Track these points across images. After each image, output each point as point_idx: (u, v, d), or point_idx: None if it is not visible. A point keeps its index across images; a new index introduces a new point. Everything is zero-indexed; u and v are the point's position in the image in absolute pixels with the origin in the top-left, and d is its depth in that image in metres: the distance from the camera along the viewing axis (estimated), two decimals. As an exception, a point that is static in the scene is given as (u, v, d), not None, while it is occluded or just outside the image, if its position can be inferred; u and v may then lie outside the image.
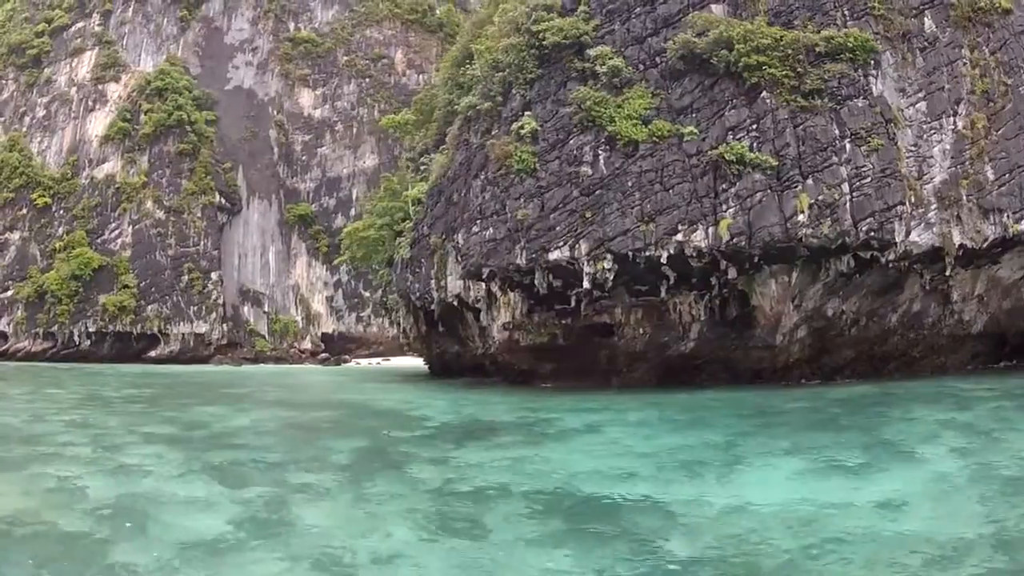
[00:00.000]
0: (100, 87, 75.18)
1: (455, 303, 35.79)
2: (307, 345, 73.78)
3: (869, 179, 28.21)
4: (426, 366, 47.12)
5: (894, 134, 29.37)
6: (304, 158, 79.04)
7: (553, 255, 28.28)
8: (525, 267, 29.09)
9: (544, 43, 31.57)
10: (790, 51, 28.85)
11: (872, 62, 29.72)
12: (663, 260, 27.55)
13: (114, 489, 13.05)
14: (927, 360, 35.02)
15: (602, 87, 29.85)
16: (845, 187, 27.94)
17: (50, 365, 61.43)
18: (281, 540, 10.44)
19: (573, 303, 30.51)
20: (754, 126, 28.20)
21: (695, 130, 28.40)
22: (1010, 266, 32.88)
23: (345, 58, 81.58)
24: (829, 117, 28.48)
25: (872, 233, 27.94)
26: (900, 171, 28.98)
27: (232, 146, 75.71)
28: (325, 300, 76.76)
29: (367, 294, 75.60)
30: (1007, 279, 33.56)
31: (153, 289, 67.69)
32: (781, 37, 29.03)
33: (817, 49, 29.16)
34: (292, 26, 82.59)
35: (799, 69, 28.73)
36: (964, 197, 30.80)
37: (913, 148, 30.03)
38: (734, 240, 26.94)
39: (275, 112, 79.02)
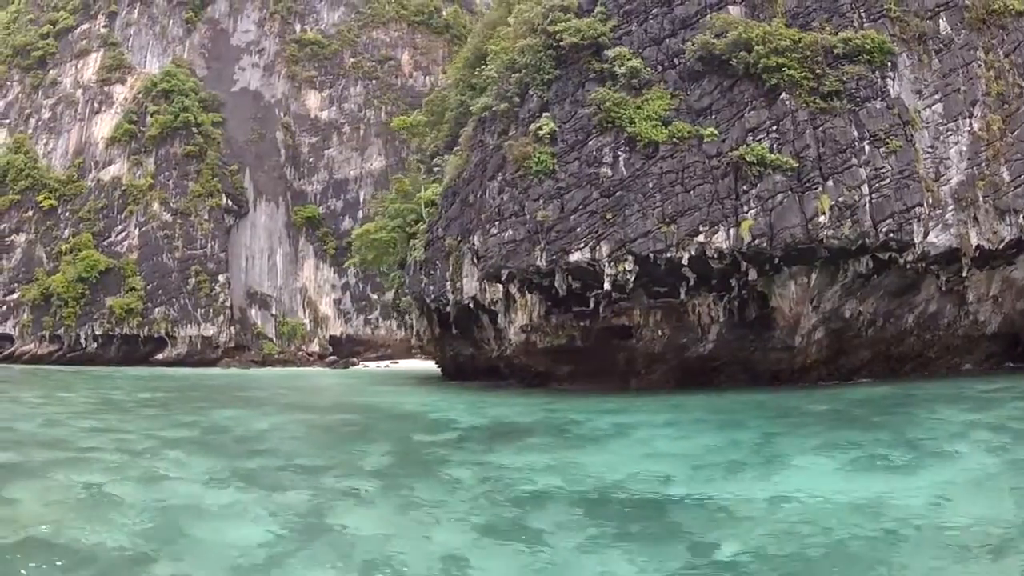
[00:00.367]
0: (106, 89, 75.18)
1: (471, 305, 35.76)
2: (315, 348, 73.73)
3: (888, 180, 28.28)
4: (438, 369, 47.00)
5: (911, 135, 29.45)
6: (311, 160, 79.03)
7: (574, 256, 28.29)
8: (545, 269, 29.09)
9: (561, 44, 31.61)
10: (808, 53, 28.92)
11: (889, 64, 29.81)
12: (684, 262, 27.57)
13: (147, 498, 12.58)
14: (942, 361, 35.12)
15: (621, 88, 29.88)
16: (864, 188, 28.00)
17: (56, 368, 61.22)
18: (332, 549, 10.09)
19: (592, 305, 30.52)
20: (774, 127, 28.25)
21: (715, 131, 28.44)
22: (1025, 267, 32.98)
23: (352, 60, 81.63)
24: (848, 119, 28.54)
25: (891, 234, 28.01)
26: (918, 172, 29.06)
27: (239, 148, 75.69)
28: (333, 303, 76.72)
29: (375, 296, 75.61)
30: (1021, 280, 33.64)
31: (160, 292, 67.64)
32: (799, 39, 29.11)
33: (835, 51, 29.24)
34: (298, 28, 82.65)
35: (817, 71, 28.79)
36: (981, 198, 30.91)
37: (930, 149, 30.12)
38: (756, 241, 26.98)
39: (282, 114, 79.06)
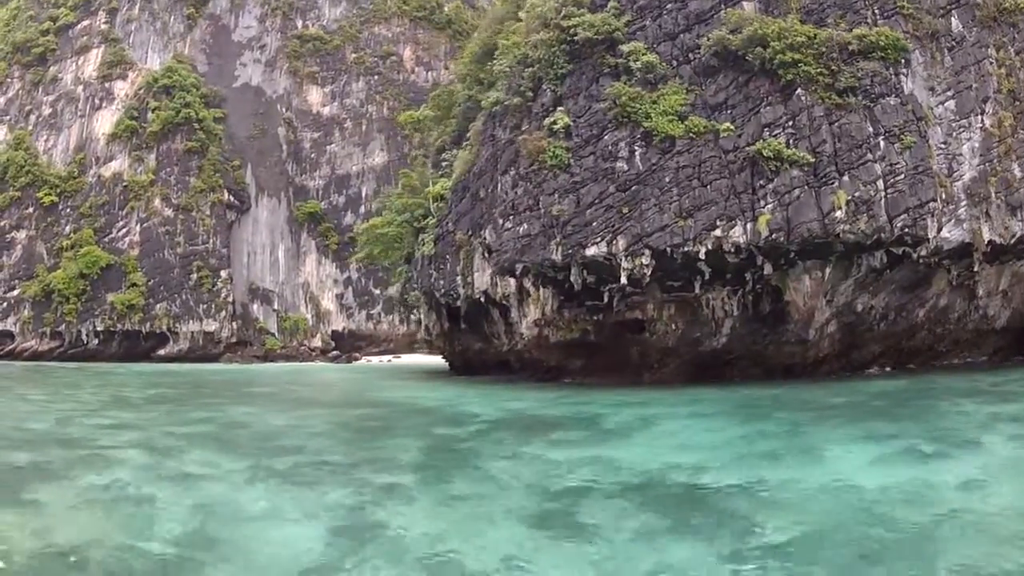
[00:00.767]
0: (107, 85, 74.75)
1: (481, 299, 35.79)
2: (317, 343, 73.54)
3: (902, 176, 28.43)
4: (446, 363, 46.98)
5: (925, 132, 29.62)
6: (313, 155, 78.79)
7: (590, 251, 28.33)
8: (561, 263, 29.12)
9: (575, 38, 31.61)
10: (824, 49, 29.04)
11: (903, 60, 29.97)
12: (701, 256, 27.64)
13: (180, 500, 12.10)
14: (951, 354, 35.40)
15: (636, 83, 29.92)
16: (880, 184, 28.12)
17: (58, 365, 60.85)
18: (386, 550, 9.79)
19: (605, 299, 30.56)
20: (790, 123, 28.35)
21: (731, 126, 28.52)
22: (1035, 262, 33.22)
23: (353, 55, 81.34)
24: (863, 114, 28.66)
25: (906, 229, 28.17)
26: (931, 168, 29.22)
27: (240, 144, 75.40)
28: (335, 298, 76.51)
29: (377, 291, 75.44)
30: (1031, 275, 33.88)
31: (162, 287, 67.36)
32: (815, 35, 29.21)
33: (850, 47, 29.36)
34: (300, 23, 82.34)
35: (833, 67, 28.91)
36: (993, 194, 31.12)
37: (943, 146, 30.30)
38: (773, 236, 27.08)
39: (284, 109, 78.77)
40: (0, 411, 26.04)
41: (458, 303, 37.43)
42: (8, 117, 75.90)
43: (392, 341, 75.13)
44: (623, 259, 27.90)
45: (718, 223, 27.44)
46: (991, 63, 32.69)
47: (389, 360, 68.79)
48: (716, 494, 12.21)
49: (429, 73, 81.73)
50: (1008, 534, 9.89)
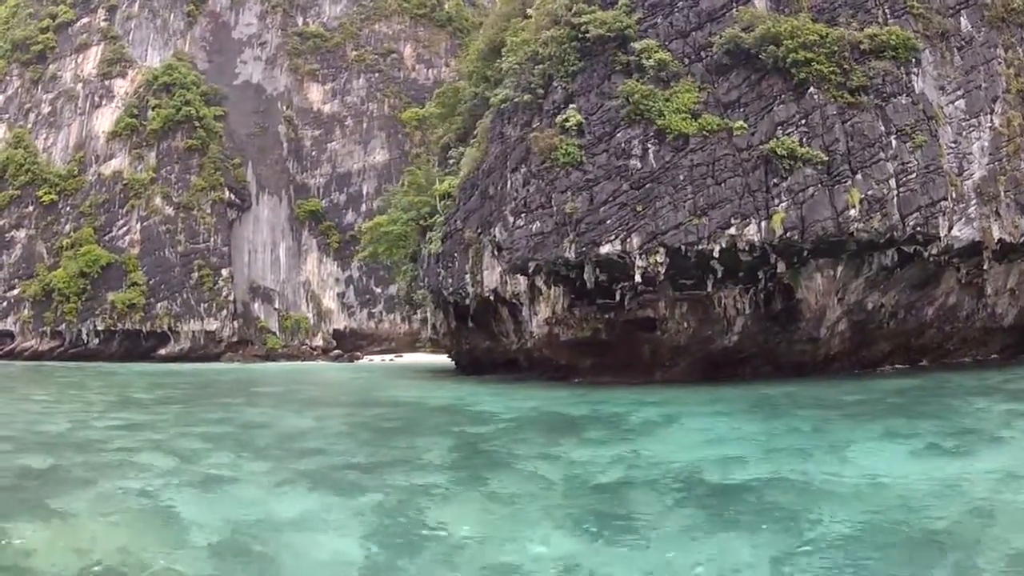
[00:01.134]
0: (106, 83, 74.47)
1: (491, 298, 35.74)
2: (318, 342, 73.40)
3: (914, 175, 28.56)
4: (452, 362, 46.91)
5: (936, 131, 29.74)
6: (314, 153, 78.63)
7: (604, 249, 28.31)
8: (574, 261, 29.10)
9: (587, 36, 31.55)
10: (836, 48, 29.09)
11: (913, 60, 30.07)
12: (715, 254, 27.67)
13: (213, 508, 11.64)
14: (959, 352, 35.60)
15: (648, 81, 29.90)
16: (892, 182, 28.23)
17: (59, 364, 60.55)
18: (438, 555, 9.50)
19: (617, 297, 30.55)
20: (803, 121, 28.39)
21: (744, 124, 28.55)
22: (1043, 261, 33.42)
23: (354, 53, 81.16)
24: (875, 113, 28.75)
25: (918, 227, 28.30)
26: (942, 167, 29.34)
27: (241, 141, 75.19)
28: (336, 296, 76.36)
29: (378, 290, 75.40)
30: (1039, 273, 34.07)
31: (163, 286, 67.14)
32: (826, 34, 29.26)
33: (861, 47, 29.43)
34: (300, 21, 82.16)
35: (845, 66, 28.96)
36: (1002, 193, 31.30)
37: (953, 145, 30.44)
38: (787, 234, 27.13)
39: (284, 107, 78.58)
40: (8, 413, 25.59)
41: (466, 301, 37.34)
42: (7, 115, 75.59)
43: (393, 340, 75.04)
44: (637, 257, 27.89)
45: (732, 221, 27.47)
46: (1000, 63, 32.87)
47: (391, 359, 68.68)
48: (759, 488, 12.20)
49: (430, 71, 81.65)
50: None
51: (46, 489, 12.66)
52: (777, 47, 28.79)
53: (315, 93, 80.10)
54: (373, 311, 76.26)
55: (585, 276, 29.27)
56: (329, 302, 76.01)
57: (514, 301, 34.42)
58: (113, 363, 62.65)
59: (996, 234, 30.84)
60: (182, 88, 72.13)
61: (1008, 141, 31.87)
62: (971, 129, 31.27)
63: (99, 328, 66.40)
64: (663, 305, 30.74)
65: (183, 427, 21.11)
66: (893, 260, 29.61)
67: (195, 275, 67.30)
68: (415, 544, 9.89)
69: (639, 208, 28.15)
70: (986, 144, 31.42)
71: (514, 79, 34.77)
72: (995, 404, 21.54)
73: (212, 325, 66.85)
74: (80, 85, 74.79)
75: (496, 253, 34.30)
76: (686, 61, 30.72)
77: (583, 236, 28.73)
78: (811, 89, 28.70)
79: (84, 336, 66.76)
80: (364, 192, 77.77)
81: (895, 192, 28.19)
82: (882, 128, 28.71)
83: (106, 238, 68.66)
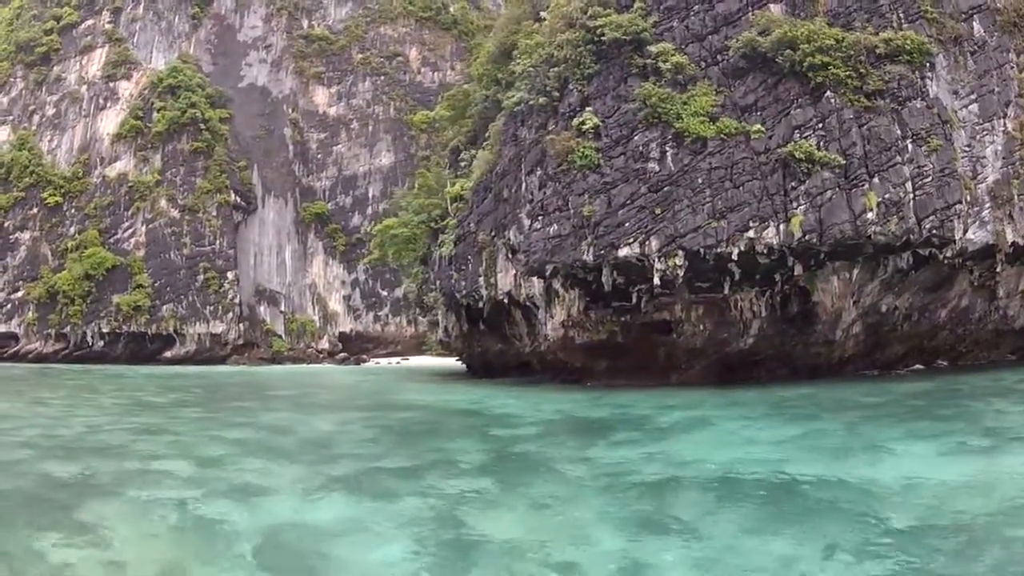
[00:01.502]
0: (111, 85, 74.36)
1: (504, 301, 35.77)
2: (324, 345, 73.31)
3: (930, 178, 28.75)
4: (463, 365, 46.89)
5: (950, 135, 29.94)
6: (320, 156, 78.61)
7: (623, 252, 28.40)
8: (592, 263, 29.18)
9: (602, 39, 31.67)
10: (852, 52, 29.29)
11: (927, 64, 30.29)
12: (734, 256, 27.78)
13: (253, 518, 11.18)
14: (971, 354, 35.75)
15: (665, 84, 30.04)
16: (908, 186, 28.42)
17: (65, 367, 60.28)
18: (495, 562, 9.32)
19: (633, 300, 30.64)
20: (820, 125, 28.57)
21: (761, 128, 28.68)
22: (1055, 263, 33.60)
23: (359, 56, 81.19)
24: (891, 117, 28.95)
25: (934, 231, 28.48)
26: (957, 171, 29.52)
27: (247, 144, 75.17)
28: (342, 299, 76.25)
29: (384, 293, 75.40)
30: (1051, 276, 34.23)
31: (168, 289, 67.02)
32: (842, 38, 29.46)
33: (877, 51, 29.65)
34: (305, 23, 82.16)
35: (861, 70, 29.17)
36: (1015, 196, 31.50)
37: (967, 148, 30.65)
38: (806, 237, 27.28)
39: (290, 110, 78.56)
40: (22, 416, 24.98)
41: (480, 304, 37.35)
42: (11, 117, 75.35)
43: (399, 343, 75.00)
44: (656, 260, 28.00)
45: (751, 224, 27.60)
46: (1012, 67, 33.10)
47: (398, 362, 68.60)
48: (804, 488, 12.31)
49: (435, 74, 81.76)
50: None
51: (75, 499, 12.27)
52: (794, 51, 28.97)
53: (321, 96, 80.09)
54: (379, 314, 76.19)
55: (603, 279, 29.34)
56: (335, 305, 75.92)
57: (528, 304, 34.46)
58: (119, 365, 62.44)
59: (1009, 237, 31.04)
60: (187, 90, 72.03)
61: (1021, 145, 32.09)
62: (984, 133, 31.47)
63: (104, 330, 66.22)
64: (679, 308, 30.83)
65: (204, 431, 20.86)
66: (908, 263, 29.79)
67: (200, 278, 67.19)
68: (467, 551, 9.74)
69: (657, 211, 28.25)
70: (999, 148, 31.62)
71: (528, 82, 34.84)
72: (1013, 405, 21.86)
73: (218, 328, 66.75)
74: (84, 87, 74.68)
75: (511, 256, 34.35)
76: (702, 65, 30.87)
77: (601, 239, 28.82)
78: (828, 93, 28.88)
79: (89, 338, 66.55)
80: (370, 195, 77.79)
81: (911, 195, 28.37)
82: (898, 132, 28.89)
83: (111, 240, 68.53)
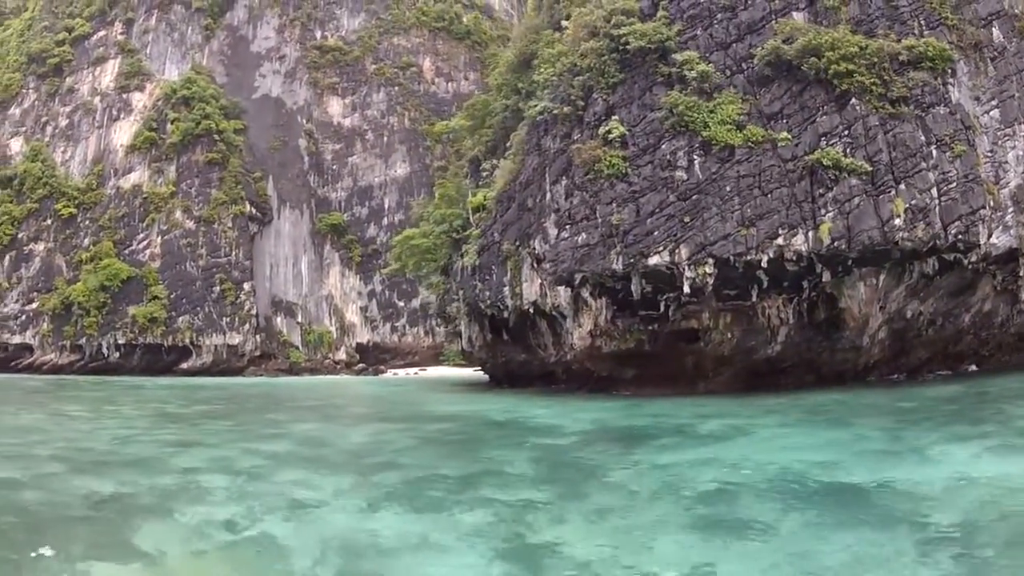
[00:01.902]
0: (124, 96, 74.87)
1: (530, 310, 35.94)
2: (342, 356, 73.35)
3: (954, 184, 28.94)
4: (487, 375, 46.96)
5: (973, 140, 30.14)
6: (335, 167, 78.89)
7: (652, 260, 28.63)
8: (621, 272, 29.41)
9: (627, 48, 31.97)
10: (875, 59, 29.52)
11: (949, 71, 30.49)
12: (763, 264, 27.99)
13: (310, 535, 10.83)
14: (993, 358, 35.83)
15: (691, 92, 30.31)
16: (934, 192, 28.62)
17: (81, 378, 60.55)
18: (565, 571, 9.26)
19: (661, 308, 30.85)
20: (846, 132, 28.80)
21: (788, 136, 28.93)
22: (1075, 267, 33.73)
23: (373, 66, 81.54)
24: (916, 124, 29.16)
25: (960, 236, 28.65)
26: (980, 176, 29.73)
27: (261, 155, 75.53)
28: (359, 310, 76.34)
29: (401, 304, 75.55)
30: (1073, 280, 34.34)
31: (184, 300, 67.25)
32: (866, 46, 29.70)
33: (900, 58, 29.88)
34: (319, 34, 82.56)
35: (885, 77, 29.40)
36: (1038, 201, 31.65)
37: (989, 154, 30.85)
38: (834, 244, 27.49)
39: (304, 121, 78.91)
40: (47, 429, 24.36)
41: (504, 314, 37.52)
42: (24, 128, 75.88)
43: (417, 354, 75.06)
44: (686, 268, 28.22)
45: (780, 231, 27.82)
46: (1032, 73, 33.30)
47: (415, 373, 68.67)
48: (861, 491, 12.51)
49: (449, 84, 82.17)
50: None
51: (120, 520, 11.81)
52: (818, 59, 29.23)
53: (335, 106, 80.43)
54: (396, 325, 76.22)
55: (632, 287, 29.56)
56: (352, 316, 76.01)
57: (554, 313, 34.63)
58: (134, 377, 62.64)
59: (1032, 241, 31.19)
60: (201, 101, 72.42)
61: (1042, 150, 32.27)
62: (1006, 139, 31.67)
63: (120, 342, 66.42)
64: (707, 316, 31.05)
65: (239, 444, 20.44)
66: (933, 268, 29.96)
67: (217, 289, 67.40)
68: (537, 561, 9.65)
69: (686, 219, 28.49)
70: (1021, 153, 31.81)
71: (551, 91, 35.16)
72: (1046, 407, 22.02)
73: (235, 339, 66.90)
74: (98, 98, 75.18)
75: (536, 265, 34.55)
76: (727, 73, 31.16)
77: (630, 247, 29.06)
78: (853, 100, 29.13)
79: (104, 350, 66.74)
80: (386, 205, 78.01)
81: (937, 201, 28.57)
82: (923, 138, 29.11)
83: (126, 252, 68.82)
